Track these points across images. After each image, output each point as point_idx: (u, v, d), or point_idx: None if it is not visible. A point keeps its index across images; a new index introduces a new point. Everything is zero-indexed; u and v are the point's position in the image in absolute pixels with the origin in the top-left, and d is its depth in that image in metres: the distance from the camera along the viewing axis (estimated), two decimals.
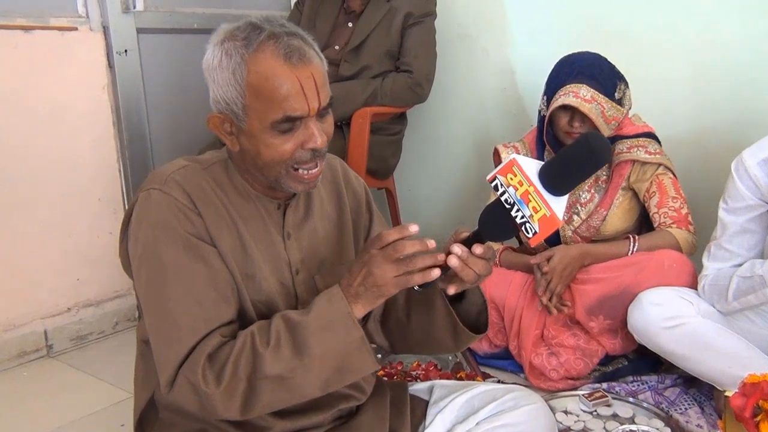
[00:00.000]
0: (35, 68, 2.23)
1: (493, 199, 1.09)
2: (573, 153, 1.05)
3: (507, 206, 1.03)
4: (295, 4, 2.79)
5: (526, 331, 1.99)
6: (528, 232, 1.03)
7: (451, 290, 1.09)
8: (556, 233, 2.05)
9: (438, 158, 2.94)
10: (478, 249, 1.06)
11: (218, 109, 1.11)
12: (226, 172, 1.18)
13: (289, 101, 1.05)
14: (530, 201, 1.02)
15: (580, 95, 1.87)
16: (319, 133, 1.09)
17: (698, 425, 1.70)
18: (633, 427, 1.64)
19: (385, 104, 2.50)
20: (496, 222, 1.06)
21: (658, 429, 1.63)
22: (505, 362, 2.08)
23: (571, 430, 1.70)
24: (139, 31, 2.48)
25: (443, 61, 2.65)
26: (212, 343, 1.05)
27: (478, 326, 1.23)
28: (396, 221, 2.83)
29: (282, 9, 2.93)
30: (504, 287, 2.04)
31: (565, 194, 1.04)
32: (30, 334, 2.28)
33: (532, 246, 1.05)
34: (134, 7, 2.46)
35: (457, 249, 1.05)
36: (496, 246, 2.15)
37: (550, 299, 1.94)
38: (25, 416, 1.94)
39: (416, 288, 1.09)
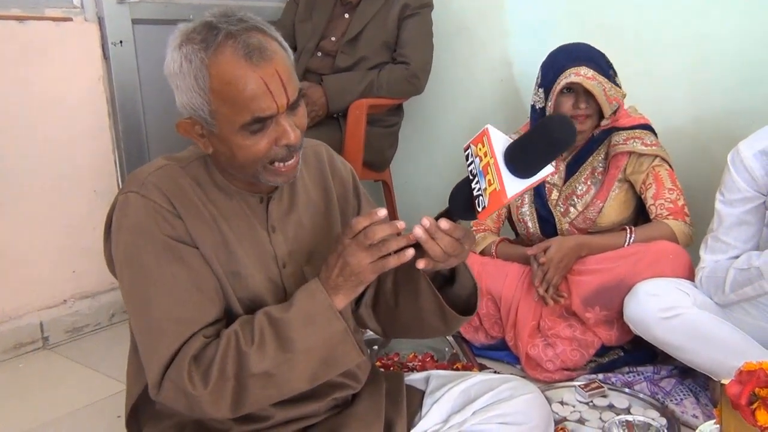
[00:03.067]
0: (30, 59, 2.22)
1: None
2: (534, 136, 1.02)
3: (471, 177, 1.01)
4: None
5: (523, 323, 1.99)
6: (478, 206, 1.00)
7: (420, 264, 1.06)
8: (553, 225, 2.05)
9: (435, 150, 2.94)
10: (443, 223, 1.04)
11: (186, 114, 1.09)
12: (206, 169, 1.16)
13: (256, 102, 1.02)
14: (488, 173, 0.98)
15: (581, 74, 1.88)
16: (291, 129, 1.06)
17: (694, 415, 1.70)
18: (629, 417, 1.65)
19: (382, 96, 2.50)
20: (463, 198, 1.04)
21: (653, 419, 1.63)
22: (501, 353, 2.08)
23: (567, 420, 1.70)
24: (134, 21, 2.47)
25: (440, 53, 2.64)
26: (196, 345, 1.05)
27: (468, 308, 1.23)
28: (393, 213, 2.83)
29: (278, 0, 2.92)
30: (500, 279, 2.05)
31: (528, 178, 0.99)
32: (26, 326, 2.28)
33: (480, 220, 1.02)
34: None
35: (425, 221, 1.04)
36: (492, 238, 2.15)
37: (546, 290, 1.94)
38: (22, 408, 1.94)
39: None
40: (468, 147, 1.03)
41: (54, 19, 2.27)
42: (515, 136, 2.13)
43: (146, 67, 2.53)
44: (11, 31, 2.17)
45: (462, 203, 1.05)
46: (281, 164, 1.09)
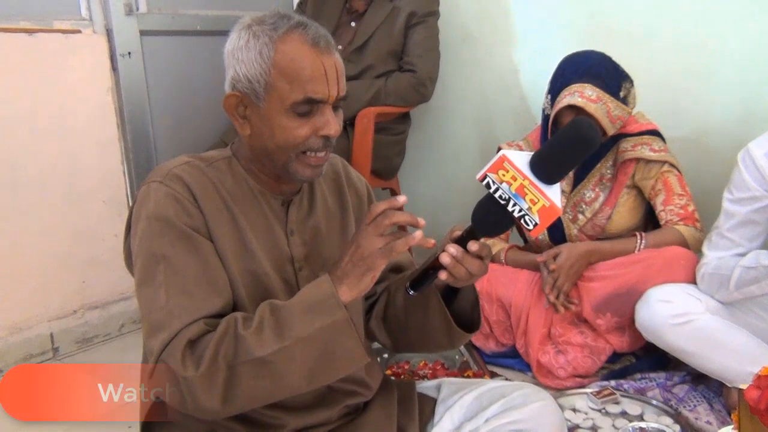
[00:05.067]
0: (39, 71, 2.23)
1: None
2: (562, 140, 1.05)
3: (502, 202, 1.02)
4: (298, 4, 2.79)
5: (534, 330, 1.98)
6: (528, 224, 1.02)
7: (443, 275, 1.07)
8: (562, 232, 2.05)
9: (442, 158, 2.94)
10: (474, 246, 1.06)
11: (237, 89, 1.11)
12: (229, 169, 1.18)
13: (312, 84, 1.08)
14: (527, 194, 1.01)
15: (585, 95, 1.86)
16: (333, 121, 1.11)
17: (707, 422, 1.69)
18: (642, 424, 1.64)
19: (389, 104, 2.50)
20: (490, 217, 1.06)
21: (667, 426, 1.62)
22: (512, 361, 2.07)
23: (580, 428, 1.69)
24: (143, 33, 2.48)
25: (447, 61, 2.64)
26: (194, 330, 1.04)
27: (472, 322, 1.23)
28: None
29: (285, 9, 2.93)
30: (510, 286, 2.04)
31: (557, 182, 1.03)
32: (36, 336, 2.28)
33: (533, 237, 1.05)
34: (137, 10, 2.46)
35: (452, 249, 1.05)
36: (502, 245, 2.15)
37: (557, 297, 1.93)
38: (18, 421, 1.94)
39: (410, 292, 1.09)
40: (485, 176, 1.04)
41: (63, 32, 2.28)
42: (522, 143, 2.14)
43: (154, 78, 2.55)
44: (20, 44, 2.18)
45: (492, 224, 1.06)
46: (313, 154, 1.12)
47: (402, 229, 1.06)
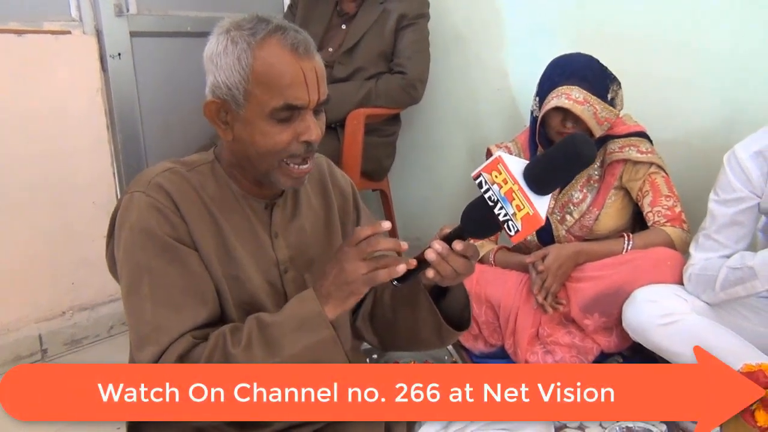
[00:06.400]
0: (28, 72, 2.23)
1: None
2: (559, 154, 1.05)
3: (490, 203, 1.04)
4: (289, 6, 2.80)
5: (522, 330, 1.99)
6: (510, 230, 1.03)
7: (430, 273, 1.08)
8: (550, 233, 2.06)
9: (432, 159, 2.94)
10: (458, 245, 1.06)
11: (217, 95, 1.11)
12: (212, 174, 1.18)
13: (291, 89, 1.08)
14: (514, 199, 1.02)
15: (572, 97, 1.87)
16: (314, 126, 1.11)
17: (693, 420, 1.70)
18: (629, 423, 1.64)
19: (379, 105, 2.51)
20: (479, 219, 1.07)
21: (654, 425, 1.63)
22: (500, 361, 2.07)
23: (568, 427, 1.70)
24: (133, 34, 2.48)
25: (437, 63, 2.65)
26: (183, 345, 1.05)
27: (462, 322, 1.24)
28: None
29: (275, 12, 2.93)
30: (499, 286, 2.05)
31: (549, 194, 1.04)
32: (24, 338, 2.28)
33: (514, 243, 1.06)
34: (127, 11, 2.46)
35: (437, 246, 1.06)
36: (491, 246, 2.15)
37: (545, 298, 1.94)
38: (15, 420, 1.93)
39: (394, 283, 1.10)
40: (479, 175, 1.05)
41: (52, 33, 2.28)
42: (511, 145, 2.15)
43: (145, 79, 2.55)
44: (10, 45, 2.18)
45: (480, 225, 1.07)
46: (295, 167, 1.12)
47: (419, 268, 1.08)
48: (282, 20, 1.11)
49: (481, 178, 1.05)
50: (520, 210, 1.01)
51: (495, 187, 1.03)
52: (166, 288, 1.08)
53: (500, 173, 1.03)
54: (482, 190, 1.05)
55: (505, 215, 1.02)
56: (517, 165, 1.03)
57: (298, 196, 1.26)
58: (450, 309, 1.24)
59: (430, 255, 1.06)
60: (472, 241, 1.10)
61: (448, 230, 1.09)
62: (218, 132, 1.15)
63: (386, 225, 1.06)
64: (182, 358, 1.04)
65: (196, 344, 1.06)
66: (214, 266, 1.13)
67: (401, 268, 1.04)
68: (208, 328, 1.10)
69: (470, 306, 1.26)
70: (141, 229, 1.09)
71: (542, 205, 1.02)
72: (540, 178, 1.02)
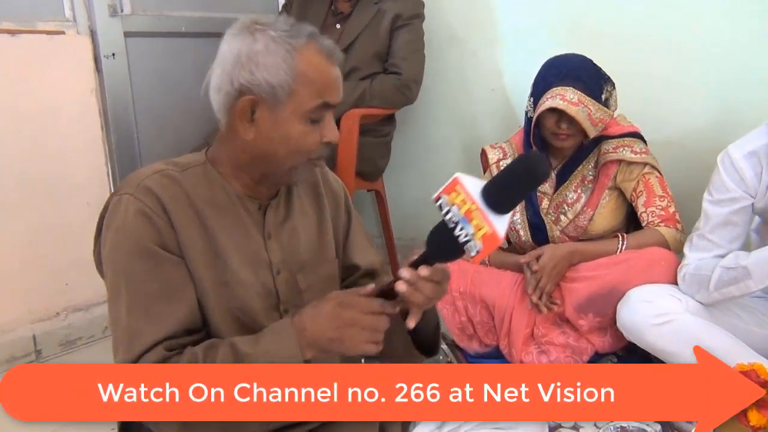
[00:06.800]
0: (22, 72, 2.22)
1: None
2: (514, 172, 1.05)
3: (451, 225, 1.02)
4: (283, 6, 2.80)
5: (517, 330, 2.00)
6: (471, 251, 1.01)
7: (411, 323, 1.10)
8: (544, 233, 2.06)
9: (427, 159, 2.95)
10: (423, 271, 1.06)
11: (253, 92, 1.11)
12: (204, 175, 1.18)
13: (329, 90, 1.14)
14: (473, 219, 1.00)
15: (567, 98, 1.88)
16: (335, 127, 1.17)
17: (688, 421, 1.71)
18: (624, 423, 1.65)
19: (374, 106, 2.51)
20: (441, 242, 1.05)
21: (648, 424, 1.64)
22: (495, 361, 2.08)
23: (562, 427, 1.71)
24: (127, 34, 2.47)
25: (432, 63, 2.66)
26: (154, 358, 1.06)
27: (433, 346, 1.25)
28: (385, 223, 2.83)
29: (270, 11, 2.93)
30: (494, 286, 2.05)
31: (508, 212, 1.02)
32: (19, 339, 2.27)
33: (476, 263, 1.04)
34: (122, 11, 2.46)
35: (405, 273, 1.06)
36: None
37: (540, 298, 1.95)
38: (11, 419, 1.92)
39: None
40: (439, 197, 1.04)
41: (46, 33, 2.27)
42: (505, 145, 2.15)
43: (139, 79, 2.54)
44: (3, 45, 2.17)
45: (443, 248, 1.06)
46: (316, 160, 1.18)
47: (391, 297, 1.08)
48: (312, 27, 1.17)
49: (441, 200, 1.04)
50: (479, 230, 1.00)
51: (455, 208, 1.02)
52: (143, 295, 1.08)
53: (458, 194, 1.02)
54: (443, 213, 1.04)
55: (466, 236, 1.01)
56: (475, 185, 1.02)
57: (291, 198, 1.26)
58: (421, 332, 1.23)
59: (400, 287, 1.06)
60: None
61: (415, 257, 1.09)
62: (237, 129, 1.14)
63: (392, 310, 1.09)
64: None
65: (168, 357, 1.06)
66: (200, 272, 1.12)
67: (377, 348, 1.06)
68: (186, 337, 1.10)
69: (440, 329, 1.26)
70: (125, 232, 1.09)
71: (501, 223, 1.00)
72: (497, 197, 1.01)
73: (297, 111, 1.12)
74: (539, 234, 2.08)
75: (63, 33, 2.32)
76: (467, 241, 1.01)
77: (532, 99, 2.00)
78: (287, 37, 1.12)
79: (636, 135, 2.03)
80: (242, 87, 1.11)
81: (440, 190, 1.04)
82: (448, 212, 1.03)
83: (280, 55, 1.10)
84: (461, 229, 1.01)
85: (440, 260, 1.08)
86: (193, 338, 1.11)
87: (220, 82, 1.13)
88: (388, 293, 1.09)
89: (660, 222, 1.95)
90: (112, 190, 2.47)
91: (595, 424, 1.71)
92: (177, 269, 1.11)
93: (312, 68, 1.12)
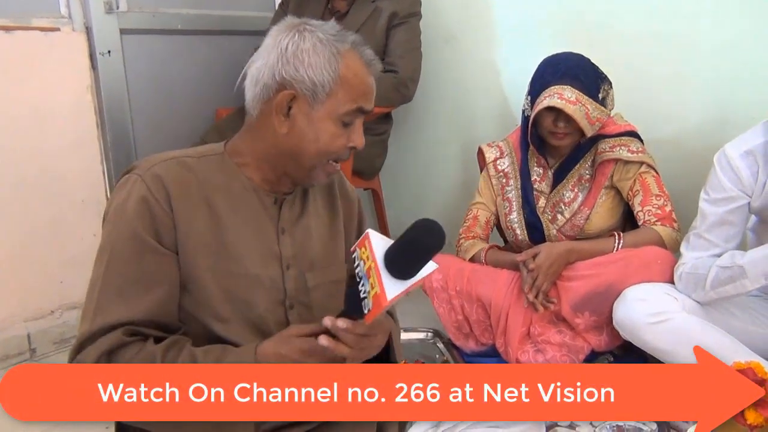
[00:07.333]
0: (17, 69, 2.21)
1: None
2: (411, 242, 1.01)
3: (358, 279, 1.02)
4: (280, 4, 2.79)
5: (513, 329, 2.00)
6: (364, 309, 1.00)
7: None
8: (541, 232, 2.07)
9: (423, 158, 2.95)
10: (339, 322, 1.03)
11: (295, 87, 1.14)
12: (220, 165, 1.20)
13: (365, 97, 1.18)
14: (370, 277, 1.00)
15: (564, 96, 1.88)
16: (362, 134, 1.20)
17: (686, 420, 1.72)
18: (620, 423, 1.65)
19: None
20: (351, 295, 1.04)
21: (644, 423, 1.64)
22: (491, 360, 2.08)
23: (559, 426, 1.71)
24: (123, 31, 2.47)
25: (429, 62, 2.66)
26: (113, 341, 1.07)
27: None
28: (382, 221, 2.83)
29: (267, 10, 2.92)
30: (490, 285, 2.05)
31: (407, 279, 0.99)
32: (13, 337, 2.26)
33: (367, 323, 1.00)
34: (117, 8, 2.45)
35: (326, 321, 1.04)
36: (482, 245, 2.16)
37: (536, 296, 1.95)
38: (10, 419, 1.91)
39: None
40: (354, 250, 1.04)
41: (42, 29, 2.26)
42: (502, 144, 2.15)
43: (134, 77, 2.53)
44: None
45: (351, 301, 1.04)
46: (336, 164, 1.21)
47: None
48: (355, 35, 1.20)
49: (355, 253, 1.04)
50: (372, 288, 0.99)
51: (361, 263, 1.02)
52: (121, 275, 1.11)
53: (366, 250, 1.01)
54: (355, 265, 1.04)
55: (364, 293, 1.00)
56: (380, 245, 1.01)
57: (307, 196, 1.28)
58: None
59: (322, 341, 1.03)
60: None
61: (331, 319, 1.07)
62: (273, 121, 1.16)
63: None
64: (108, 356, 1.06)
65: (128, 343, 1.08)
66: (199, 258, 1.13)
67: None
68: (151, 329, 1.11)
69: (396, 352, 1.25)
70: (123, 214, 1.12)
71: (392, 287, 0.98)
72: (394, 262, 0.99)
73: (332, 112, 1.15)
74: (536, 233, 2.08)
75: (58, 30, 2.31)
76: (364, 298, 1.01)
77: (529, 97, 2.00)
78: (334, 40, 1.15)
79: (632, 134, 2.03)
80: (284, 81, 1.14)
81: (356, 242, 1.04)
82: (358, 266, 1.03)
83: (325, 57, 1.14)
84: (362, 285, 1.02)
85: (351, 315, 1.04)
86: (158, 333, 1.12)
87: (259, 75, 1.16)
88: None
89: (656, 221, 1.95)
90: (107, 188, 2.47)
91: (591, 423, 1.71)
92: (161, 263, 1.12)
93: (352, 73, 1.16)
